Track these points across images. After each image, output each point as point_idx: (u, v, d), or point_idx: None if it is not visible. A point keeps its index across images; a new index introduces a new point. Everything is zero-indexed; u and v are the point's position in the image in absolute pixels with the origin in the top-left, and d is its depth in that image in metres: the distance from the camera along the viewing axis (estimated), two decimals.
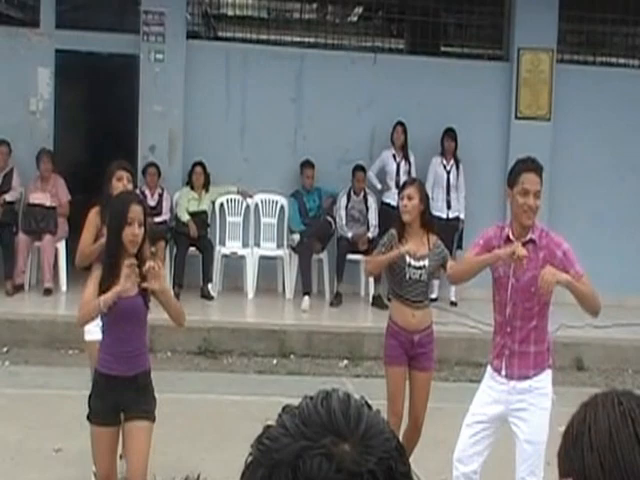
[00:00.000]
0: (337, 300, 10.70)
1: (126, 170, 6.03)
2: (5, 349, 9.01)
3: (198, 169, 10.89)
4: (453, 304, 10.94)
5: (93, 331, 5.37)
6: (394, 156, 11.23)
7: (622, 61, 12.40)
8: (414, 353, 5.86)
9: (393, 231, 5.92)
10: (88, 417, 4.77)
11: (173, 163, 11.18)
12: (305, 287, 10.59)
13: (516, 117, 11.67)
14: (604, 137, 11.72)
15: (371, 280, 10.64)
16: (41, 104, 11.05)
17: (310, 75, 11.46)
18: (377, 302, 10.50)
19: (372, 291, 10.77)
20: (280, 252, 11.15)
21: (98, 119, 14.66)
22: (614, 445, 1.59)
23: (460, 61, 12.14)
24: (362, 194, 11.05)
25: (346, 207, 11.03)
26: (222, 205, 11.20)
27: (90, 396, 4.80)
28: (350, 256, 10.84)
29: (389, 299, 6.92)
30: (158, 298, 4.72)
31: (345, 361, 9.33)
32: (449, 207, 11.16)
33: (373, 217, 11.01)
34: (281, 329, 9.60)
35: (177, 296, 8.99)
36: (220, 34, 12.47)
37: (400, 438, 1.24)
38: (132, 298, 4.61)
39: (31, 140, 10.85)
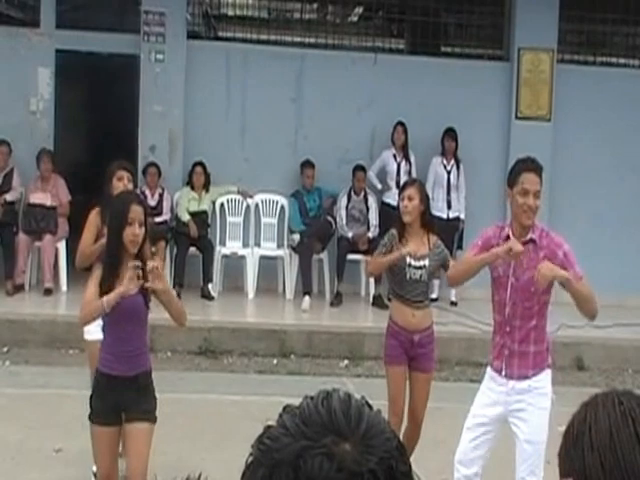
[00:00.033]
0: (337, 300, 10.70)
1: (126, 170, 6.03)
2: (5, 349, 9.01)
3: (198, 169, 10.89)
4: (453, 304, 10.94)
5: (93, 330, 5.37)
6: (394, 156, 11.23)
7: (622, 61, 12.40)
8: (414, 353, 5.87)
9: (394, 231, 5.93)
10: (89, 417, 4.78)
11: (173, 163, 11.18)
12: (305, 287, 10.59)
13: (516, 117, 11.67)
14: (604, 137, 11.72)
15: (371, 280, 10.64)
16: (41, 104, 11.05)
17: (310, 75, 11.47)
18: (377, 302, 10.50)
19: (372, 291, 10.77)
20: (280, 252, 11.15)
21: (98, 119, 14.66)
22: (614, 445, 1.59)
23: (460, 61, 12.14)
24: (362, 194, 11.06)
25: (346, 207, 11.03)
26: (222, 205, 11.20)
27: (91, 396, 4.80)
28: (350, 256, 10.84)
29: (389, 299, 6.93)
30: (159, 298, 4.72)
31: (345, 361, 9.33)
32: (449, 207, 11.16)
33: (373, 217, 11.01)
34: (281, 329, 9.61)
35: (178, 296, 8.99)
36: (220, 34, 12.48)
37: (400, 438, 1.25)
38: (133, 297, 4.62)
39: (31, 140, 10.86)
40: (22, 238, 10.33)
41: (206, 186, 10.96)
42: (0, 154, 10.58)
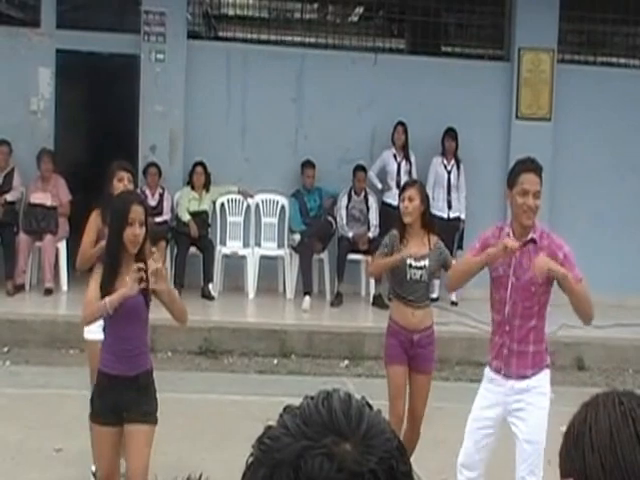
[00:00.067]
0: (338, 300, 10.70)
1: (127, 171, 6.02)
2: (6, 349, 9.01)
3: (199, 169, 10.90)
4: (454, 304, 10.93)
5: (94, 330, 5.37)
6: (395, 156, 11.23)
7: (623, 61, 12.40)
8: (414, 353, 5.87)
9: (395, 232, 5.95)
10: (90, 416, 4.78)
11: (174, 163, 11.18)
12: (306, 287, 10.60)
13: (517, 117, 11.67)
14: (605, 137, 11.72)
15: (372, 280, 10.65)
16: (42, 104, 11.05)
17: (311, 75, 11.47)
18: (378, 302, 10.50)
19: (373, 291, 10.77)
20: (281, 252, 11.15)
21: (99, 119, 14.65)
22: (615, 445, 1.59)
23: (461, 61, 12.14)
24: (363, 194, 11.06)
25: (347, 207, 11.03)
26: (223, 205, 11.20)
27: (92, 396, 4.81)
28: (351, 256, 10.84)
29: (389, 299, 6.93)
30: (161, 298, 4.72)
31: (346, 361, 9.33)
32: (450, 207, 11.16)
33: (374, 217, 11.01)
34: (282, 329, 9.60)
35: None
36: (221, 34, 12.48)
37: (400, 438, 1.25)
38: (133, 297, 4.62)
39: (32, 140, 10.86)
40: (22, 238, 10.33)
41: (206, 186, 10.96)
42: (1, 154, 10.58)
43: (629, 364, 9.77)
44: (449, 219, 11.03)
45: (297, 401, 1.24)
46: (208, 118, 11.28)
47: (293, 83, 11.46)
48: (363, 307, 10.79)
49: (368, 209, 11.04)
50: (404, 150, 11.21)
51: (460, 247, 10.79)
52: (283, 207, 11.27)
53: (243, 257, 11.04)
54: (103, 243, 5.17)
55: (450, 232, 10.40)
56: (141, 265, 4.56)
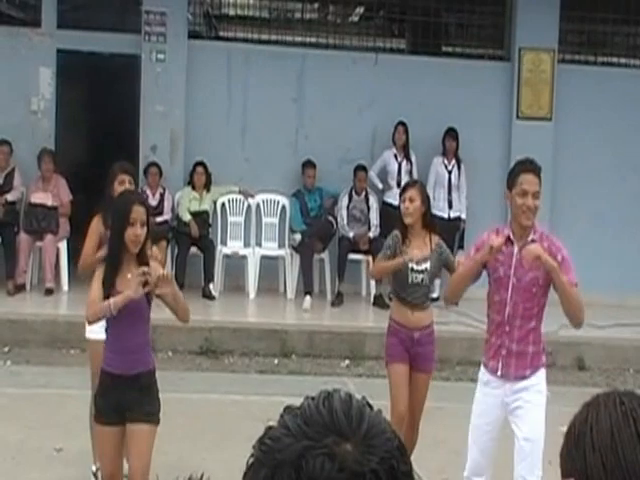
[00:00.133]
0: (338, 300, 10.70)
1: (128, 173, 6.01)
2: (6, 349, 9.01)
3: (199, 169, 10.90)
4: (454, 304, 10.91)
5: (96, 330, 5.37)
6: (395, 156, 11.23)
7: (623, 61, 12.39)
8: (414, 352, 5.87)
9: (397, 232, 5.95)
10: (94, 416, 4.81)
11: (174, 163, 11.18)
12: (306, 287, 10.60)
13: (517, 117, 11.67)
14: (605, 137, 11.72)
15: (372, 280, 10.65)
16: (42, 104, 11.05)
17: (311, 75, 11.47)
18: (378, 302, 10.50)
19: (373, 291, 10.77)
20: (281, 252, 11.15)
21: (99, 119, 14.65)
22: (616, 445, 1.59)
23: (461, 61, 12.14)
24: (363, 194, 11.06)
25: (347, 207, 11.03)
26: (223, 205, 11.20)
27: (95, 395, 4.83)
28: (351, 256, 10.84)
29: (390, 298, 6.93)
30: (165, 300, 4.72)
31: (346, 361, 9.33)
32: (450, 207, 11.17)
33: (374, 217, 11.01)
34: (282, 329, 9.60)
35: None
36: (221, 34, 12.48)
37: (401, 438, 1.25)
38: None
39: (32, 140, 10.86)
40: (23, 238, 10.33)
41: (207, 186, 10.96)
42: (1, 154, 10.59)
43: (630, 364, 9.77)
44: (450, 219, 11.03)
45: (298, 401, 1.24)
46: (209, 118, 11.28)
47: (294, 83, 11.46)
48: (364, 307, 10.79)
49: (369, 209, 11.04)
50: (405, 150, 11.21)
51: (461, 247, 10.79)
52: (284, 207, 11.27)
53: (244, 257, 11.04)
54: (103, 252, 5.16)
55: (451, 232, 10.40)
56: (146, 269, 4.57)
